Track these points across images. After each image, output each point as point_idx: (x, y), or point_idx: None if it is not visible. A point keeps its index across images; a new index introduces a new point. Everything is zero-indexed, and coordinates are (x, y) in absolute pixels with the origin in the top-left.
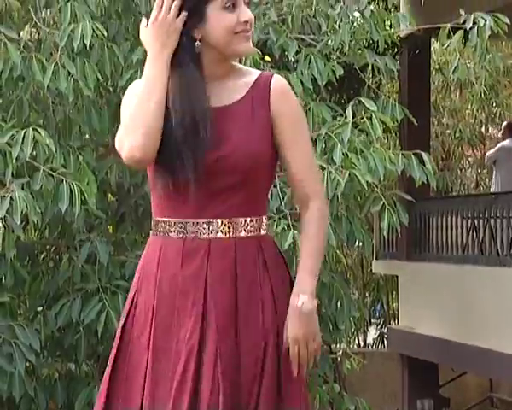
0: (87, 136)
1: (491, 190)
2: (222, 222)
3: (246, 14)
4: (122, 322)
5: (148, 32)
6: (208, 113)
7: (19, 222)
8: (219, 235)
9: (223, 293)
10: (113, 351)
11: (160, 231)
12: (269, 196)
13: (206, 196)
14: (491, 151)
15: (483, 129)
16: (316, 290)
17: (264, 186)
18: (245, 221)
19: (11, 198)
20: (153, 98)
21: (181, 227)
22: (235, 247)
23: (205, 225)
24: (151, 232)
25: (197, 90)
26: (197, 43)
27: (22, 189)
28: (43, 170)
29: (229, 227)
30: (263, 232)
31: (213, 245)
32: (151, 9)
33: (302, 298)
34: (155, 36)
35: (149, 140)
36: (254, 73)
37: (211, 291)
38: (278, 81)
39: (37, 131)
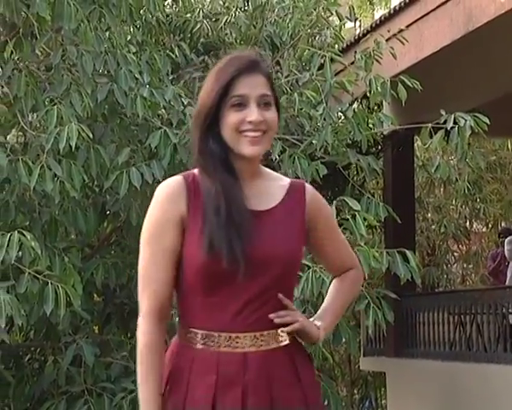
0: (73, 236)
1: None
2: (255, 336)
3: (252, 114)
4: None
5: None
6: (247, 214)
7: (3, 325)
8: (252, 349)
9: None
10: None
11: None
12: None
13: (243, 302)
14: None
15: (467, 224)
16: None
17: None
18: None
19: None
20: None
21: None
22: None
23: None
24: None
25: (233, 193)
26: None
27: (7, 292)
28: (29, 273)
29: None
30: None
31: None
32: (137, 113)
33: (320, 329)
34: None
35: None
36: (285, 179)
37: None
38: (311, 189)
39: (23, 234)
